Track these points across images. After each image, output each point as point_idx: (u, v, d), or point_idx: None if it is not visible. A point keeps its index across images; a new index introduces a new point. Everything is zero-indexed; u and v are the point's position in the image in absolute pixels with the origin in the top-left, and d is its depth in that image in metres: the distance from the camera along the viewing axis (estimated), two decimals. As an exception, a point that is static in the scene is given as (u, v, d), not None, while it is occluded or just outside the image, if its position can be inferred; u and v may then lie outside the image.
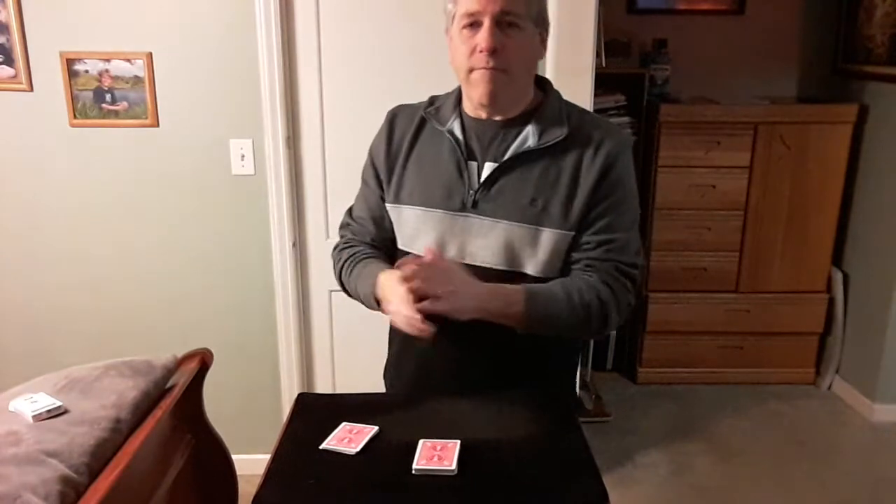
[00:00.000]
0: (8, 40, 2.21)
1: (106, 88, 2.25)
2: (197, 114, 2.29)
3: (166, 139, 2.30)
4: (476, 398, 1.29)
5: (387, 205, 1.39)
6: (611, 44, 3.17)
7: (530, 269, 1.30)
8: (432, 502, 1.04)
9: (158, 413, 1.48)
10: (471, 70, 1.25)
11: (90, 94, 2.25)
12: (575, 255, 1.30)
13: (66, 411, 1.38)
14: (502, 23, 1.22)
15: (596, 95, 2.32)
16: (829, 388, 3.30)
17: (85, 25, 2.21)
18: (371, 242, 1.43)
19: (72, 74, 2.23)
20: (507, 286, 1.26)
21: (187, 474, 1.61)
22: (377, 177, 1.40)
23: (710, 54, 3.39)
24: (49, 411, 1.36)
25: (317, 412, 1.28)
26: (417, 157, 1.36)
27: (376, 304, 1.31)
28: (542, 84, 1.37)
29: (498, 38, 1.22)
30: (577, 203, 1.27)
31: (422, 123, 1.37)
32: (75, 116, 2.27)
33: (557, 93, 1.37)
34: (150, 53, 2.23)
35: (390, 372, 1.52)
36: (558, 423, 1.24)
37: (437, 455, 1.10)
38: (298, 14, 2.23)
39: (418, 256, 1.30)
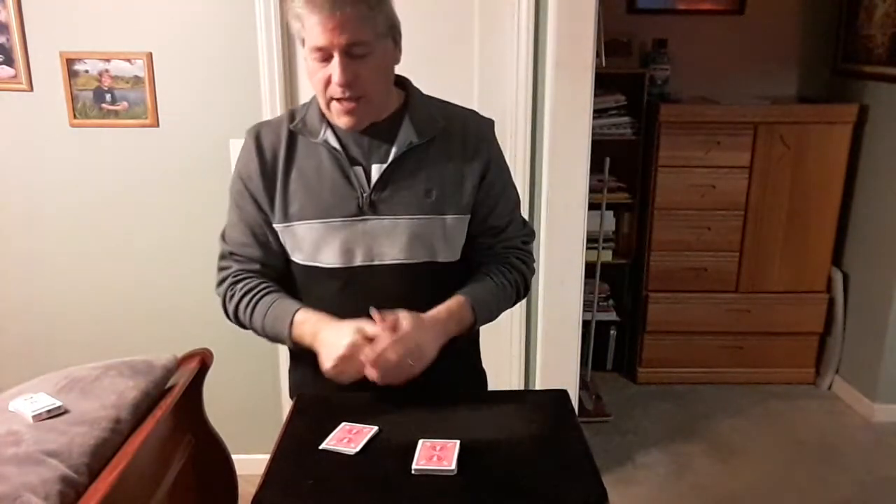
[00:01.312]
0: (8, 40, 2.21)
1: (106, 88, 2.25)
2: (197, 114, 2.29)
3: (166, 139, 2.30)
4: (476, 398, 1.29)
5: (276, 226, 1.35)
6: (611, 44, 3.17)
7: (441, 256, 1.36)
8: (432, 502, 1.04)
9: (158, 413, 1.48)
10: (330, 100, 1.26)
11: (90, 94, 2.25)
12: (486, 241, 1.41)
13: (66, 411, 1.38)
14: (352, 53, 1.21)
15: (596, 95, 2.33)
16: (829, 388, 3.30)
17: (85, 25, 2.21)
18: (260, 270, 1.37)
19: (72, 74, 2.23)
20: (451, 304, 1.30)
21: (187, 474, 1.61)
22: (254, 199, 1.34)
23: (710, 54, 3.39)
24: (49, 411, 1.36)
25: (317, 412, 1.28)
26: (298, 173, 1.33)
27: (292, 343, 1.31)
28: (402, 82, 1.39)
29: (350, 69, 1.21)
30: (466, 187, 1.35)
31: (292, 138, 1.34)
32: (75, 116, 2.27)
33: (417, 88, 1.40)
34: (150, 53, 2.23)
35: (297, 373, 1.48)
36: (558, 423, 1.24)
37: (436, 455, 1.10)
38: (298, 14, 2.23)
39: (329, 270, 1.32)
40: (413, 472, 1.07)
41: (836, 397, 3.25)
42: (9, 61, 2.23)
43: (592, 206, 2.65)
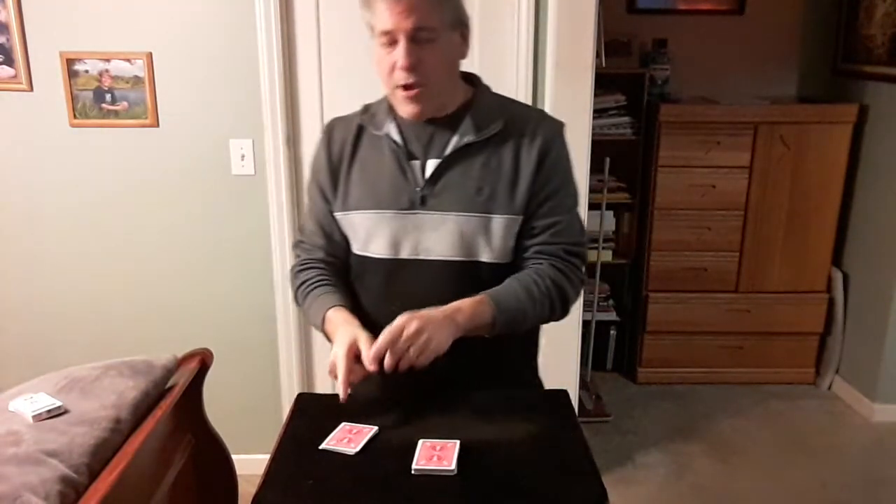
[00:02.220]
0: (8, 40, 2.21)
1: (106, 88, 2.25)
2: (197, 114, 2.29)
3: (166, 139, 2.30)
4: (475, 398, 1.29)
5: (336, 214, 1.41)
6: (611, 44, 3.17)
7: (485, 256, 1.34)
8: (431, 502, 1.04)
9: (158, 413, 1.48)
10: (394, 87, 1.29)
11: (90, 94, 2.25)
12: (525, 243, 1.36)
13: (66, 411, 1.38)
14: (418, 38, 1.24)
15: (596, 95, 2.33)
16: (829, 388, 3.30)
17: (85, 25, 2.21)
18: (324, 258, 1.44)
19: (72, 74, 2.23)
20: (471, 299, 1.27)
21: (187, 474, 1.61)
22: (321, 191, 1.42)
23: (710, 54, 3.39)
24: (49, 411, 1.36)
25: (317, 412, 1.29)
26: (360, 164, 1.39)
27: (325, 335, 1.37)
28: (471, 79, 1.41)
29: (415, 54, 1.24)
30: (520, 187, 1.33)
31: (359, 131, 1.40)
32: (75, 116, 2.27)
33: (487, 86, 1.42)
34: (150, 53, 2.23)
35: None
36: (558, 423, 1.24)
37: (436, 455, 1.10)
38: (298, 14, 2.24)
39: (377, 261, 1.36)
40: (413, 472, 1.07)
41: (836, 397, 3.25)
42: (9, 61, 2.23)
43: (592, 206, 2.66)
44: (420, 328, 1.18)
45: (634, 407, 3.16)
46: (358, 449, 1.13)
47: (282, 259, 2.39)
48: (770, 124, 3.07)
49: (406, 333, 1.18)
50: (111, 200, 2.36)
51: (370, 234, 1.37)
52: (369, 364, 1.18)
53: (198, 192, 2.35)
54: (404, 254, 1.35)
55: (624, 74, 3.21)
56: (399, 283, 1.36)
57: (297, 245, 1.51)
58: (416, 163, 1.35)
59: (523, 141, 1.34)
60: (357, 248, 1.41)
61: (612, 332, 3.44)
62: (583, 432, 1.21)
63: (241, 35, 2.21)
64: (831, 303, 3.25)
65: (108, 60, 2.23)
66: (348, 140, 1.40)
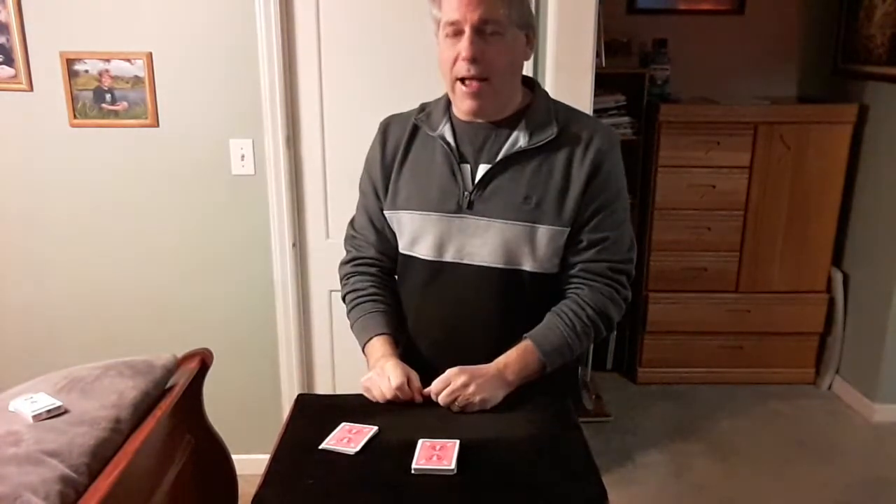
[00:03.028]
0: (8, 40, 2.21)
1: (106, 88, 2.25)
2: (197, 114, 2.29)
3: (166, 139, 2.30)
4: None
5: (386, 212, 1.42)
6: (611, 44, 3.17)
7: (528, 265, 1.33)
8: (431, 502, 1.04)
9: (158, 413, 1.48)
10: (455, 80, 1.29)
11: (90, 94, 2.25)
12: (571, 259, 1.34)
13: (66, 411, 1.38)
14: (483, 31, 1.24)
15: (596, 95, 2.32)
16: (829, 388, 3.30)
17: (85, 25, 2.21)
18: (375, 256, 1.47)
19: (72, 74, 2.23)
20: (512, 352, 1.31)
21: (187, 474, 1.61)
22: (374, 187, 1.43)
23: (710, 54, 3.39)
24: (49, 411, 1.36)
25: (317, 412, 1.29)
26: (412, 163, 1.39)
27: (364, 353, 1.41)
28: (530, 84, 1.40)
29: (479, 46, 1.24)
30: (569, 199, 1.31)
31: (414, 130, 1.40)
32: (75, 116, 2.27)
33: (545, 92, 1.40)
34: (150, 53, 2.23)
35: None
36: (558, 423, 1.24)
37: (436, 455, 1.10)
38: (298, 14, 2.23)
39: (421, 261, 1.38)
40: (413, 471, 1.07)
41: (836, 397, 3.25)
42: (9, 61, 2.23)
43: (592, 206, 2.65)
44: (467, 382, 1.24)
45: (634, 407, 3.16)
46: (357, 448, 1.13)
47: (281, 259, 2.39)
48: (770, 124, 3.07)
49: (453, 386, 1.24)
50: (111, 200, 2.36)
51: (416, 234, 1.37)
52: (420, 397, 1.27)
53: (198, 192, 2.35)
54: (448, 257, 1.35)
55: (624, 74, 3.21)
56: (440, 285, 1.37)
57: (349, 239, 1.51)
58: (467, 166, 1.34)
59: (576, 150, 1.32)
60: (403, 247, 1.42)
61: (612, 332, 3.44)
62: (583, 432, 1.21)
63: (241, 35, 2.21)
64: (831, 303, 3.25)
65: (108, 60, 2.23)
66: (403, 139, 1.40)
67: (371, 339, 1.39)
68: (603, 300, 1.34)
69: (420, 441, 1.13)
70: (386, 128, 1.44)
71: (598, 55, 2.31)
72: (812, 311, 3.27)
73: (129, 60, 2.23)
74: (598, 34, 2.26)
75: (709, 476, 2.66)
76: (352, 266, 1.49)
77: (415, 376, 1.30)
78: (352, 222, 1.52)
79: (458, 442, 1.12)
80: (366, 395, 1.32)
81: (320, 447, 1.14)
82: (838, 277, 3.22)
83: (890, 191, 2.94)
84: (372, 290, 1.45)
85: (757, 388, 3.30)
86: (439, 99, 1.41)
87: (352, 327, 1.45)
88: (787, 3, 3.37)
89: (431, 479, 1.06)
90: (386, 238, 1.45)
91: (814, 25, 3.37)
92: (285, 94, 2.26)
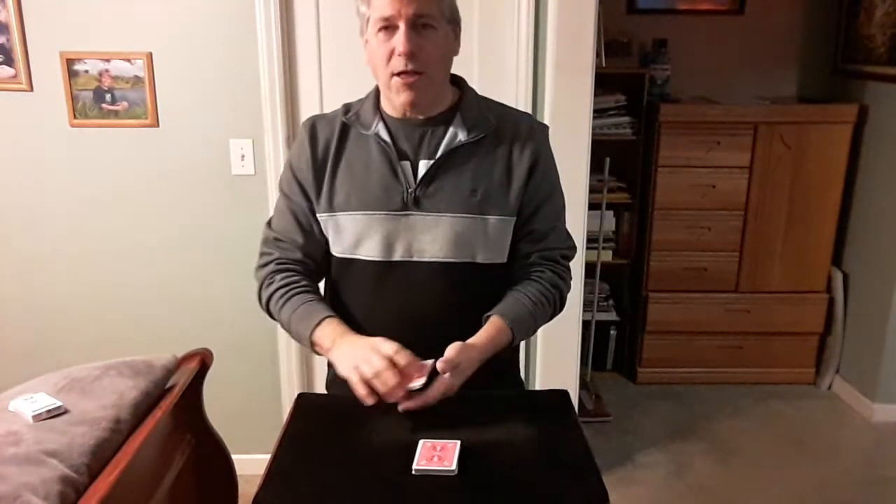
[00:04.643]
0: (8, 40, 2.21)
1: (106, 88, 2.25)
2: (197, 114, 2.29)
3: (166, 139, 2.30)
4: (475, 398, 1.29)
5: (319, 216, 1.38)
6: (611, 44, 3.17)
7: (480, 257, 1.35)
8: (432, 502, 1.04)
9: (158, 413, 1.48)
10: (391, 75, 1.28)
11: (90, 94, 2.25)
12: (525, 248, 1.39)
13: (66, 411, 1.38)
14: (417, 25, 1.24)
15: (596, 95, 2.32)
16: (829, 388, 3.30)
17: (85, 25, 2.20)
18: (302, 259, 1.40)
19: (72, 74, 2.23)
20: (491, 331, 1.30)
21: (187, 474, 1.61)
22: (302, 189, 1.38)
23: (710, 54, 3.39)
24: (49, 411, 1.36)
25: (317, 412, 1.28)
26: (347, 164, 1.36)
27: (310, 345, 1.33)
28: (457, 81, 1.41)
29: (414, 40, 1.24)
30: (513, 189, 1.34)
31: (344, 130, 1.38)
32: (75, 116, 2.27)
33: (472, 89, 1.42)
34: (150, 53, 2.23)
35: (337, 386, 1.40)
36: (558, 423, 1.24)
37: (437, 455, 1.10)
38: (298, 14, 2.24)
39: (367, 263, 1.34)
40: (413, 472, 1.07)
41: (836, 397, 3.25)
42: (9, 61, 2.23)
43: (592, 206, 2.65)
44: (465, 371, 1.23)
45: (634, 407, 3.16)
46: (453, 466, 1.07)
47: (282, 259, 2.38)
48: (770, 124, 3.07)
49: (462, 364, 1.21)
50: (111, 200, 2.36)
51: (360, 236, 1.34)
52: (416, 403, 1.18)
53: (198, 192, 2.35)
54: (397, 255, 1.33)
55: (624, 74, 3.21)
56: (390, 285, 1.35)
57: (269, 242, 1.43)
58: (407, 163, 1.33)
59: (515, 143, 1.35)
60: (342, 251, 1.37)
61: (612, 332, 3.44)
62: (583, 432, 1.21)
63: (241, 35, 2.21)
64: (831, 303, 3.25)
65: (108, 60, 2.23)
66: (333, 139, 1.37)
67: (322, 320, 1.30)
68: (558, 280, 1.40)
69: (421, 441, 1.13)
70: (312, 127, 1.39)
71: (598, 55, 2.31)
72: (812, 310, 3.27)
73: (129, 60, 2.23)
74: (598, 34, 2.26)
75: (709, 476, 2.66)
76: (276, 265, 1.40)
77: (386, 343, 1.21)
78: (269, 224, 1.44)
79: (458, 442, 1.12)
80: (355, 384, 1.18)
81: (414, 469, 1.07)
82: (838, 277, 3.22)
83: (890, 191, 2.94)
84: (305, 283, 1.38)
85: (757, 388, 3.30)
86: (363, 99, 1.40)
87: (289, 322, 1.34)
88: (787, 3, 3.37)
89: (432, 480, 1.06)
90: (315, 240, 1.39)
91: (814, 25, 3.37)
92: (285, 94, 2.26)
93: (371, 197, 1.33)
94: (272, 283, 1.39)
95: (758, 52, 3.40)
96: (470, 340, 1.26)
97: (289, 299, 1.36)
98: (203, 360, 1.70)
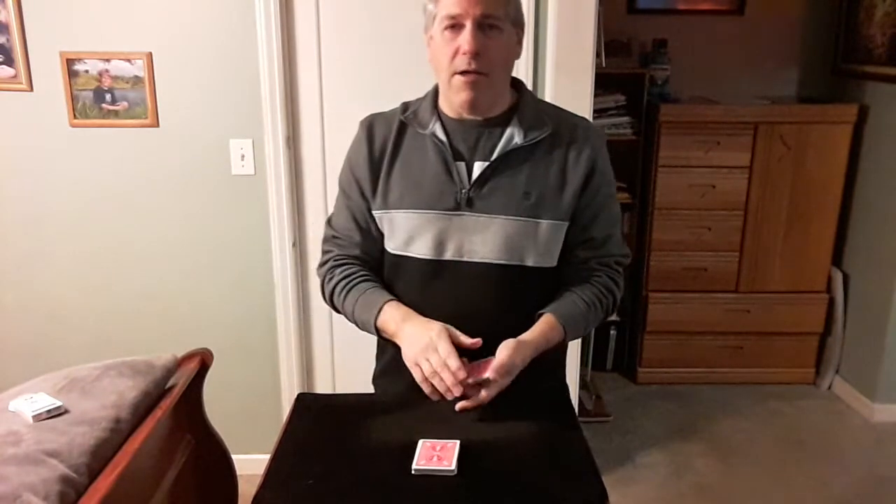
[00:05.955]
0: (8, 40, 2.21)
1: (106, 88, 2.25)
2: (197, 114, 2.29)
3: (166, 139, 2.30)
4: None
5: (375, 212, 1.39)
6: (611, 44, 3.17)
7: (530, 261, 1.34)
8: (432, 502, 1.04)
9: (158, 413, 1.48)
10: (453, 74, 1.28)
11: (90, 94, 2.25)
12: (582, 254, 1.38)
13: (66, 411, 1.38)
14: (483, 25, 1.24)
15: (596, 95, 2.32)
16: (829, 388, 3.30)
17: (85, 25, 2.21)
18: (360, 255, 1.42)
19: (72, 74, 2.23)
20: (544, 328, 1.30)
21: (187, 474, 1.61)
22: (360, 187, 1.40)
23: (710, 54, 3.39)
24: (49, 411, 1.36)
25: (317, 412, 1.29)
26: (403, 162, 1.37)
27: (376, 331, 1.35)
28: (515, 84, 1.41)
29: (480, 40, 1.24)
30: (567, 194, 1.33)
31: (401, 128, 1.39)
32: (75, 116, 2.27)
33: (531, 91, 1.42)
34: (150, 53, 2.23)
35: (384, 379, 1.49)
36: (558, 423, 1.24)
37: (436, 455, 1.10)
38: (298, 14, 2.24)
39: (418, 261, 1.34)
40: (413, 472, 1.07)
41: (836, 397, 3.25)
42: (9, 61, 2.23)
43: (592, 206, 2.65)
44: (516, 367, 1.23)
45: (634, 407, 3.16)
46: (453, 467, 1.08)
47: (281, 259, 2.39)
48: (770, 124, 3.07)
49: (511, 366, 1.22)
50: (111, 200, 2.36)
51: (412, 234, 1.35)
52: (496, 376, 1.19)
53: (198, 192, 2.35)
54: (447, 255, 1.34)
55: (624, 74, 3.21)
56: (439, 284, 1.35)
57: (329, 240, 1.46)
58: (462, 164, 1.34)
59: (571, 147, 1.34)
60: (395, 248, 1.38)
61: (612, 332, 3.44)
62: (583, 432, 1.21)
63: (241, 35, 2.21)
64: (831, 303, 3.25)
65: (108, 60, 2.23)
66: (390, 137, 1.38)
67: (383, 305, 1.33)
68: (612, 284, 1.39)
69: (420, 441, 1.13)
70: (370, 126, 1.40)
71: (598, 55, 2.31)
72: (812, 310, 3.27)
73: (129, 60, 2.23)
74: (598, 34, 2.26)
75: (709, 476, 2.66)
76: (335, 261, 1.43)
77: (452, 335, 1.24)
78: (329, 222, 1.47)
79: (458, 442, 1.12)
80: (420, 382, 1.21)
81: (414, 469, 1.08)
82: (838, 277, 3.22)
83: (890, 191, 2.94)
84: (364, 273, 1.41)
85: (757, 388, 3.30)
86: (422, 98, 1.41)
87: (353, 313, 1.38)
88: (787, 3, 3.37)
89: (432, 480, 1.06)
90: (372, 238, 1.42)
91: (814, 25, 3.37)
92: (285, 94, 2.26)
93: (424, 196, 1.33)
94: (332, 277, 1.41)
95: (758, 52, 3.40)
96: (522, 336, 1.27)
97: (350, 290, 1.38)
98: (203, 360, 1.70)
